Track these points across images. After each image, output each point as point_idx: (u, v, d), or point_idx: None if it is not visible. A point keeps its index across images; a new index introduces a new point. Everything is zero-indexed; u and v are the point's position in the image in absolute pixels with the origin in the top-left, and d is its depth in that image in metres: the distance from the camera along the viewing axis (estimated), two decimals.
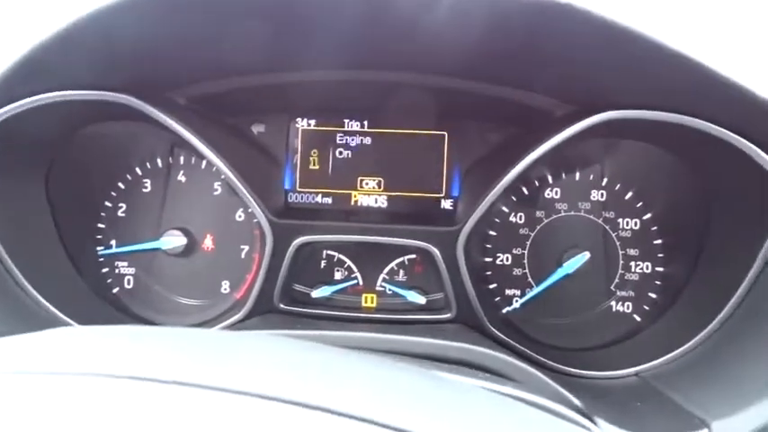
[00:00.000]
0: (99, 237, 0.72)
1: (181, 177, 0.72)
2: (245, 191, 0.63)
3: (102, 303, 0.70)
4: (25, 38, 0.46)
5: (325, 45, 0.54)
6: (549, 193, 0.68)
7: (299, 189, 0.69)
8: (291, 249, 0.63)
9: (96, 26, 0.44)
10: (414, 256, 0.68)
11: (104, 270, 0.73)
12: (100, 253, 0.72)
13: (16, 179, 0.62)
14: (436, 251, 0.62)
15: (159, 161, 0.72)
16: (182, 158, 0.72)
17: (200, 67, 0.59)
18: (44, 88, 0.54)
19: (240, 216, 0.72)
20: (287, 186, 0.69)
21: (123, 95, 0.57)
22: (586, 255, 0.65)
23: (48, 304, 0.63)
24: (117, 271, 0.73)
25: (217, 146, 0.62)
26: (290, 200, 0.68)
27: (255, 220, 0.70)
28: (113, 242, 0.72)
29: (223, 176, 0.70)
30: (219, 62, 0.57)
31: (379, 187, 0.68)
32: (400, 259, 0.68)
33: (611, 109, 0.54)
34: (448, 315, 0.63)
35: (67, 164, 0.67)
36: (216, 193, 0.72)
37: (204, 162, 0.71)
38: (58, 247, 0.68)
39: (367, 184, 0.68)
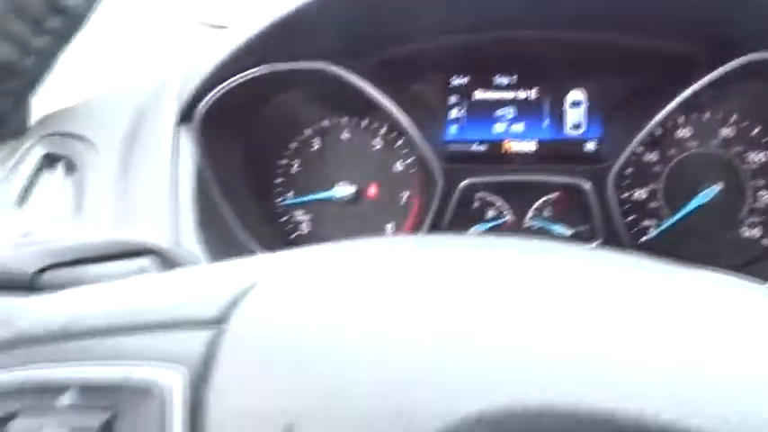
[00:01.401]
0: (278, 190, 0.84)
1: (345, 135, 0.83)
2: (418, 141, 0.73)
3: (282, 246, 0.82)
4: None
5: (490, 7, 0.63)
6: (680, 133, 0.76)
7: (457, 139, 0.79)
8: (458, 191, 0.74)
9: None
10: (557, 194, 0.78)
11: (283, 219, 0.84)
12: (279, 204, 0.84)
13: (225, 143, 0.74)
14: (587, 186, 0.71)
15: (327, 122, 0.83)
16: (345, 119, 0.83)
17: (388, 33, 0.69)
18: (278, 57, 0.65)
19: (399, 167, 0.82)
20: (447, 138, 0.78)
21: (322, 63, 0.68)
22: (717, 187, 0.74)
23: (249, 244, 0.75)
24: (294, 219, 0.84)
25: (397, 104, 0.72)
26: (450, 149, 0.78)
27: (413, 170, 0.81)
28: (290, 194, 0.84)
29: (383, 132, 0.81)
30: (410, 26, 0.67)
31: (529, 134, 0.77)
32: (546, 197, 0.78)
33: (750, 52, 0.62)
34: (593, 246, 0.73)
35: (255, 128, 0.79)
36: (376, 148, 0.83)
37: (366, 121, 0.82)
38: (252, 198, 0.80)
39: (517, 131, 0.77)
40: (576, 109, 0.76)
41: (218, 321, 0.27)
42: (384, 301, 0.26)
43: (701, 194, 0.74)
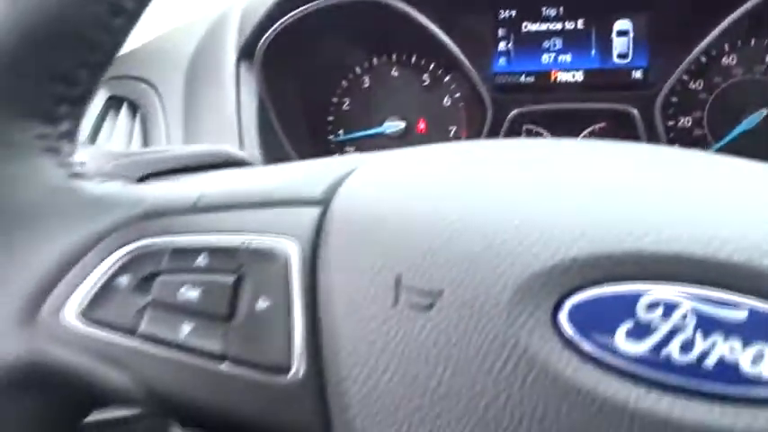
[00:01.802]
0: (330, 127, 0.88)
1: (394, 72, 0.86)
2: (470, 72, 0.76)
3: None
4: None
5: None
6: (725, 61, 0.78)
7: (506, 71, 0.81)
8: (507, 122, 0.77)
9: None
10: (604, 123, 0.80)
11: (336, 155, 0.88)
12: (332, 140, 0.88)
13: (283, 80, 0.77)
14: (635, 112, 0.74)
15: (376, 60, 0.86)
16: (394, 57, 0.86)
17: None
18: None
19: (447, 102, 0.85)
20: (496, 69, 0.81)
21: None
22: (764, 112, 0.75)
23: None
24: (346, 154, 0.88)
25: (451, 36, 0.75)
26: (499, 81, 0.81)
27: (461, 105, 0.84)
28: (341, 131, 0.88)
29: (431, 68, 0.84)
30: None
31: (576, 64, 0.79)
32: (593, 127, 0.80)
33: None
34: None
35: (309, 67, 0.82)
36: (425, 84, 0.85)
37: (414, 58, 0.85)
38: (308, 134, 0.83)
39: (564, 61, 0.79)
40: (622, 38, 0.77)
41: (324, 200, 0.30)
42: (483, 169, 0.30)
43: (745, 121, 0.76)
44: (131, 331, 0.29)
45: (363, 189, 0.30)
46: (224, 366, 0.28)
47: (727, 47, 0.77)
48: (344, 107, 0.87)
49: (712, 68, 0.78)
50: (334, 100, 0.87)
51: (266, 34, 0.72)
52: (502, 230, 0.27)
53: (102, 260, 0.29)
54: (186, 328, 0.28)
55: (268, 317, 0.28)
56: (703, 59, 0.77)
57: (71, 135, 0.32)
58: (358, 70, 0.86)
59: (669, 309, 0.24)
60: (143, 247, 0.30)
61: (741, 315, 0.24)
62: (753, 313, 0.24)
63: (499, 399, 0.25)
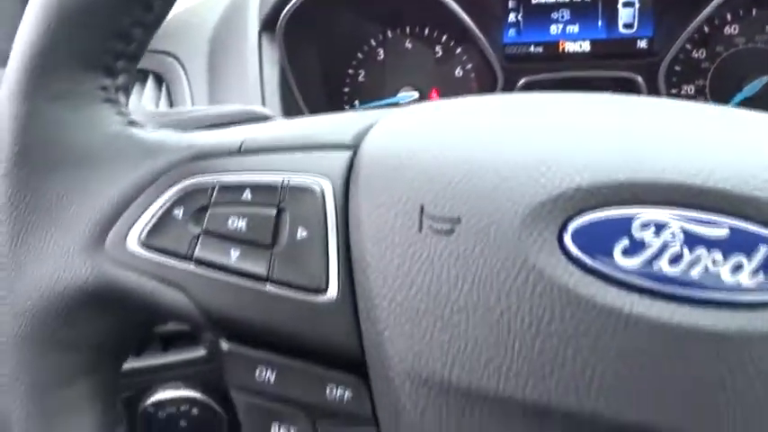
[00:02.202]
0: (346, 98, 0.91)
1: (407, 44, 0.89)
2: (481, 42, 0.79)
3: None
4: None
5: None
6: (727, 30, 0.80)
7: (516, 42, 0.84)
8: (517, 89, 0.80)
9: None
10: (608, 92, 0.83)
11: None
12: (348, 110, 0.91)
13: (303, 51, 0.81)
14: (639, 79, 0.77)
15: (390, 33, 0.89)
16: (408, 29, 0.89)
17: None
18: None
19: (459, 72, 0.88)
20: (506, 41, 0.84)
21: None
22: (764, 79, 0.78)
23: None
24: None
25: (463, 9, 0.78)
26: (509, 51, 0.84)
27: (472, 75, 0.87)
28: (357, 101, 0.91)
29: (443, 40, 0.87)
30: None
31: (583, 35, 0.82)
32: None
33: None
34: None
35: (326, 39, 0.85)
36: (437, 55, 0.88)
37: (427, 30, 0.88)
38: (327, 105, 0.87)
39: (572, 32, 0.82)
40: (628, 9, 0.80)
41: (354, 145, 0.34)
42: (494, 115, 0.33)
43: (746, 88, 0.79)
44: (186, 257, 0.32)
45: (388, 134, 0.34)
46: (268, 287, 0.32)
47: (729, 16, 0.80)
48: (360, 78, 0.90)
49: (715, 38, 0.80)
50: (350, 71, 0.90)
51: (287, 7, 0.75)
52: (512, 165, 0.30)
53: (159, 196, 0.33)
54: (234, 254, 0.32)
55: (306, 245, 0.32)
56: (706, 29, 0.80)
57: (126, 88, 0.36)
58: (373, 42, 0.89)
59: (660, 228, 0.28)
60: (194, 184, 0.33)
61: (723, 232, 0.27)
62: (733, 231, 0.27)
63: (511, 308, 0.28)
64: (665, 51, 0.76)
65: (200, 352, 0.64)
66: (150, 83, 0.87)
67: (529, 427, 0.28)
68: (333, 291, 0.32)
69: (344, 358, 0.32)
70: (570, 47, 0.82)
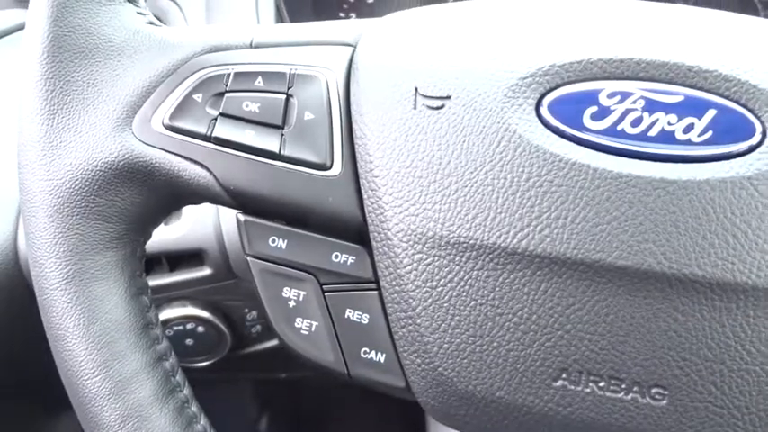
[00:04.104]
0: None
1: None
2: None
3: None
4: None
5: None
6: None
7: None
8: None
9: None
10: None
11: None
12: None
13: None
14: None
15: None
16: None
17: None
18: None
19: None
20: None
21: None
22: None
23: None
24: None
25: None
26: None
27: None
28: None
29: None
30: None
31: None
32: None
33: None
34: None
35: None
36: None
37: None
38: None
39: None
40: None
41: (354, 42, 0.38)
42: (479, 12, 0.37)
43: None
44: (206, 136, 0.36)
45: (383, 32, 0.38)
46: (279, 163, 0.36)
47: None
48: (351, 15, 0.94)
49: None
50: (344, 6, 0.93)
51: None
52: (495, 48, 0.34)
53: (180, 83, 0.37)
54: (249, 133, 0.36)
55: (313, 126, 0.36)
56: None
57: None
58: None
59: (623, 96, 0.32)
60: (211, 71, 0.37)
61: (678, 98, 0.32)
62: (686, 97, 0.32)
63: (495, 168, 0.33)
64: None
65: (205, 271, 0.68)
66: None
67: (511, 270, 0.32)
68: (337, 166, 0.36)
69: (348, 227, 0.36)
70: None
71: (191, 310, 0.70)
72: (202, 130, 0.36)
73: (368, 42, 0.37)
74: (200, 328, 0.71)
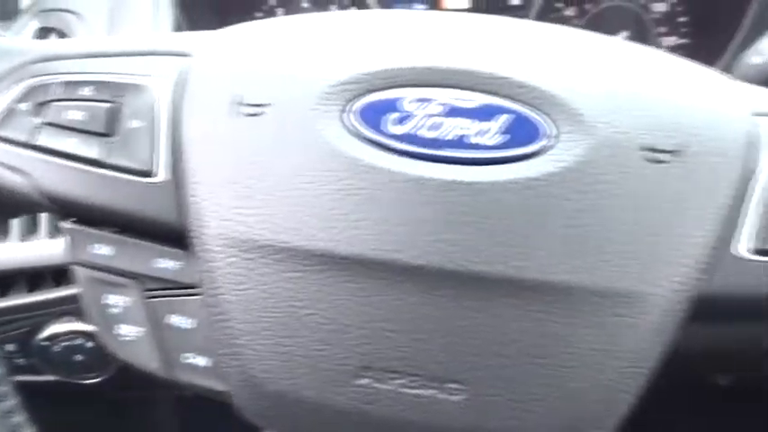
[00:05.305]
0: None
1: (305, 3, 0.93)
2: (372, 3, 0.84)
3: None
4: None
5: None
6: None
7: (402, 0, 0.89)
8: None
9: None
10: None
11: None
12: None
13: (201, 13, 0.84)
14: None
15: None
16: None
17: None
18: None
19: None
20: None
21: None
22: (624, 34, 0.86)
23: None
24: None
25: None
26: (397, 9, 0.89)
27: None
28: None
29: (338, 1, 0.92)
30: None
31: None
32: None
33: None
34: None
35: None
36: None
37: None
38: None
39: None
40: None
41: (186, 52, 0.38)
42: (302, 27, 0.38)
43: None
44: (29, 145, 0.36)
45: (217, 43, 0.38)
46: (104, 171, 0.36)
47: None
48: None
49: None
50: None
51: None
52: (310, 58, 0.35)
53: (6, 92, 0.37)
54: (73, 142, 0.36)
55: (139, 134, 0.36)
56: None
57: None
58: (272, 2, 0.94)
59: (425, 102, 0.33)
60: (38, 81, 0.37)
61: (474, 105, 0.33)
62: (482, 104, 0.33)
63: (303, 173, 0.33)
64: (535, 7, 0.82)
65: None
66: (54, 39, 0.89)
67: (317, 272, 0.33)
68: (162, 173, 0.36)
69: (172, 233, 0.36)
70: (451, 4, 0.88)
71: (78, 325, 0.69)
72: (27, 138, 0.36)
73: (201, 52, 0.38)
74: (89, 344, 0.70)
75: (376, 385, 0.33)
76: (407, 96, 0.34)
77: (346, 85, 0.34)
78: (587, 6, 0.87)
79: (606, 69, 0.34)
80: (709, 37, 0.83)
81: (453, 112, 0.33)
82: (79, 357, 0.71)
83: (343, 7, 0.91)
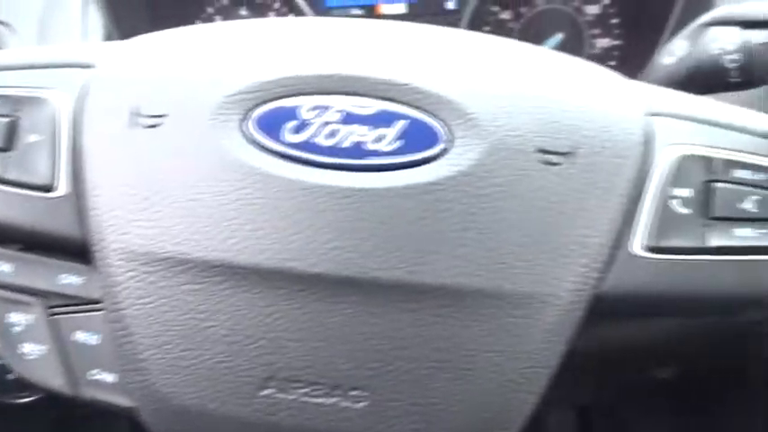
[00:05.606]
0: None
1: (243, 12, 0.93)
2: (305, 7, 0.84)
3: None
4: None
5: None
6: None
7: (337, 5, 0.89)
8: None
9: None
10: None
11: None
12: None
13: (132, 18, 0.83)
14: None
15: (226, 0, 0.93)
16: None
17: None
18: None
19: None
20: (328, 4, 0.89)
21: None
22: (560, 36, 0.87)
23: None
24: None
25: None
26: (332, 15, 0.89)
27: None
28: None
29: (276, 7, 0.91)
30: None
31: None
32: None
33: None
34: None
35: (161, 6, 0.88)
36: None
37: None
38: None
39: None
40: None
41: (87, 64, 0.38)
42: (211, 38, 0.38)
43: (546, 44, 0.87)
44: None
45: (119, 54, 0.38)
46: (1, 186, 0.35)
47: None
48: None
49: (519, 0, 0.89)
50: None
51: None
52: (208, 68, 0.35)
53: None
54: None
55: (38, 148, 0.36)
56: None
57: None
58: (210, 10, 0.93)
59: (323, 110, 0.33)
60: None
61: (371, 111, 0.33)
62: (379, 111, 0.33)
63: (201, 183, 0.33)
64: (470, 11, 0.83)
65: None
66: None
67: (216, 283, 0.33)
68: (63, 187, 0.35)
69: (74, 248, 0.36)
70: (387, 9, 0.88)
71: None
72: None
73: (103, 64, 0.37)
74: None
75: (279, 395, 0.32)
76: (305, 104, 0.33)
77: (245, 95, 0.34)
78: (522, 10, 0.88)
79: (502, 73, 0.35)
80: (640, 38, 0.85)
81: (350, 118, 0.33)
82: (12, 376, 0.69)
83: (280, 15, 0.91)
